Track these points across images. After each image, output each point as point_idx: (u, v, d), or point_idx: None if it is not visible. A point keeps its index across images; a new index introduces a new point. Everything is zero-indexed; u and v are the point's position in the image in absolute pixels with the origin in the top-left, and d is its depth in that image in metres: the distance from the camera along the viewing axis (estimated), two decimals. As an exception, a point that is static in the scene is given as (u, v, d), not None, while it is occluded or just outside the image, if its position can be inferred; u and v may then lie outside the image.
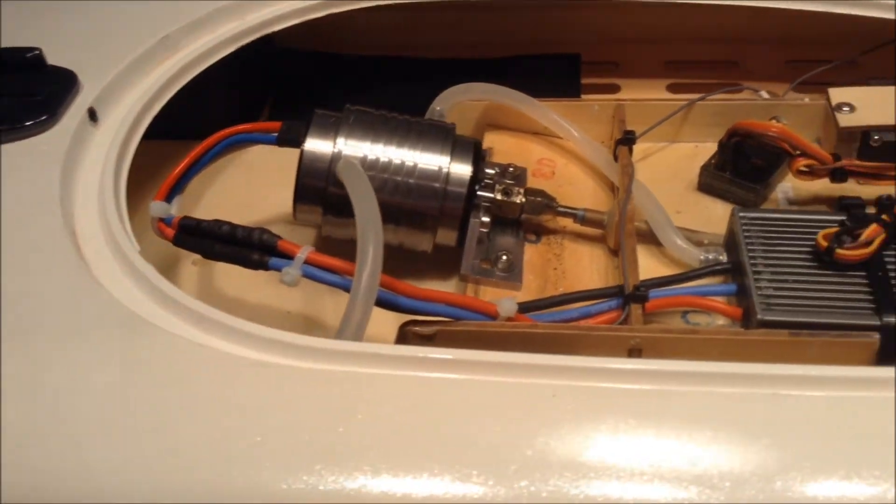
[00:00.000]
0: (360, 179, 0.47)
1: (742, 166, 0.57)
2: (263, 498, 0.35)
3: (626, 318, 0.48)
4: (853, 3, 0.62)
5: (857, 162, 0.55)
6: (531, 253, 0.56)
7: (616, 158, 0.59)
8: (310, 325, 0.54)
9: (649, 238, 0.56)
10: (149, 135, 0.56)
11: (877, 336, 0.44)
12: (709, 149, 0.60)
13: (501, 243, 0.55)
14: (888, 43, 0.65)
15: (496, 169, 0.58)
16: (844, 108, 0.58)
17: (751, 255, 0.49)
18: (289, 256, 0.46)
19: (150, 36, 0.60)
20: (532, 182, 0.60)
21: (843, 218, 0.49)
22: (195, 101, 0.59)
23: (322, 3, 0.64)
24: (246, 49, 0.62)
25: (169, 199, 0.51)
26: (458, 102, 0.62)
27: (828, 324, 0.45)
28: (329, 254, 0.47)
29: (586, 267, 0.55)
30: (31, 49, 0.57)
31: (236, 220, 0.51)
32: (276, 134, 0.52)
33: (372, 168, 0.50)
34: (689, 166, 0.60)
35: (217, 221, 0.47)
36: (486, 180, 0.55)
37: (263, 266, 0.46)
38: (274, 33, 0.65)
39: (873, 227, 0.47)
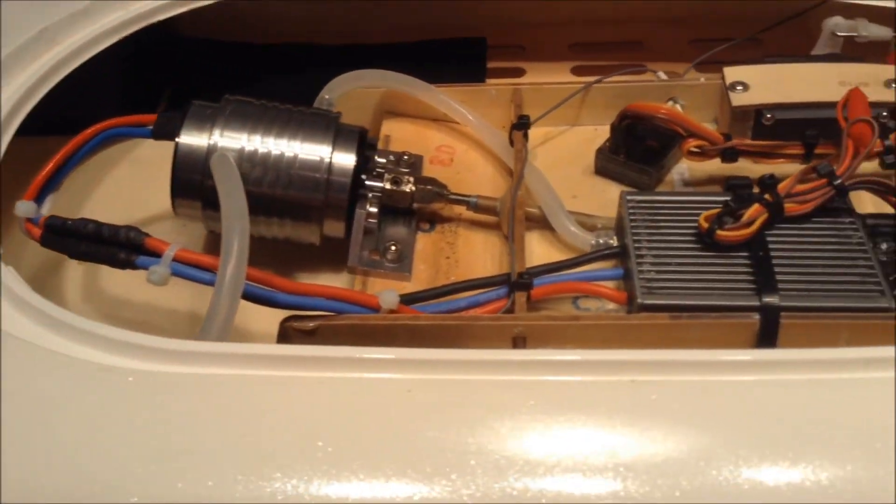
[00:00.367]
0: (228, 173, 0.46)
1: (636, 149, 0.57)
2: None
3: (510, 307, 0.47)
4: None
5: (748, 141, 0.54)
6: (424, 242, 0.55)
7: (512, 143, 0.58)
8: (196, 324, 0.53)
9: (544, 224, 0.55)
10: (33, 131, 0.53)
11: (756, 317, 0.44)
12: (608, 132, 0.59)
13: (392, 233, 0.54)
14: (788, 19, 0.66)
15: (390, 157, 0.57)
16: (738, 88, 0.57)
17: (635, 238, 0.48)
18: (158, 254, 0.44)
19: (28, 29, 0.57)
20: (430, 169, 0.60)
21: (728, 199, 0.49)
22: (84, 94, 0.57)
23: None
24: (140, 39, 0.60)
25: (41, 197, 0.49)
26: (353, 90, 0.60)
27: (708, 306, 0.45)
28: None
29: (480, 255, 0.54)
30: None
31: (127, 218, 0.50)
32: (151, 127, 0.51)
33: (250, 160, 0.49)
34: (587, 150, 0.60)
35: (83, 220, 0.46)
36: (379, 169, 0.54)
37: (131, 265, 0.44)
38: (177, 22, 0.63)
39: (755, 207, 0.47)
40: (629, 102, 0.58)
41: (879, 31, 0.61)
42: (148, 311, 0.54)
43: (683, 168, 0.59)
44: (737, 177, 0.51)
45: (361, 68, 0.61)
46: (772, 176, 0.48)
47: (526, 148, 0.56)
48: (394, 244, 0.52)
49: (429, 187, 0.54)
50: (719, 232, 0.46)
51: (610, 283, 0.50)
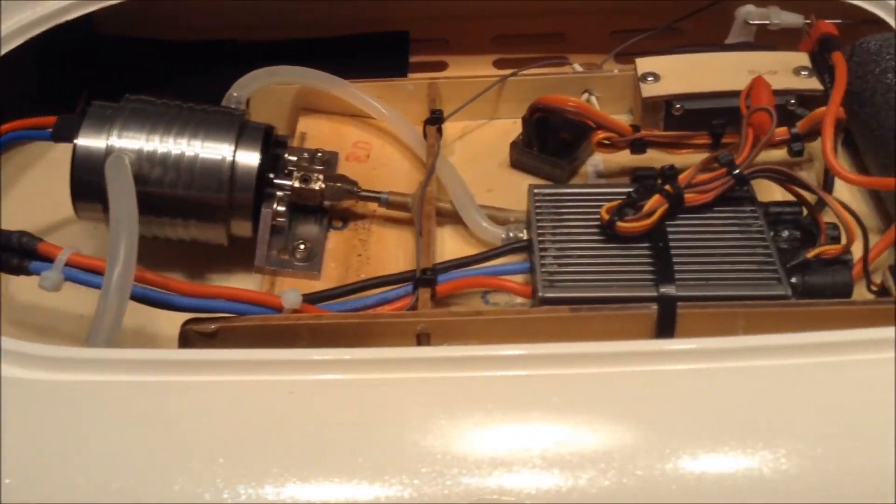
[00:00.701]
0: (118, 175, 0.45)
1: (549, 141, 0.57)
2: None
3: (414, 303, 0.47)
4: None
5: (656, 132, 0.55)
6: (336, 240, 0.54)
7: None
8: None
9: (457, 219, 0.55)
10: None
11: (654, 307, 0.45)
12: (523, 125, 0.60)
13: (303, 232, 0.53)
14: (704, 9, 0.66)
15: (304, 155, 0.57)
16: (649, 78, 0.57)
17: (539, 231, 0.48)
18: (51, 259, 0.44)
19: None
20: (346, 166, 0.59)
21: (631, 190, 0.49)
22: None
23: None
24: (58, 39, 0.59)
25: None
26: (268, 87, 0.60)
27: (608, 297, 0.45)
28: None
29: (392, 252, 0.54)
30: None
31: (41, 221, 0.49)
32: (51, 130, 0.50)
33: (150, 160, 0.48)
34: (504, 143, 0.60)
35: (-26, 226, 0.45)
36: (291, 167, 0.54)
37: (24, 271, 0.44)
38: (96, 21, 0.62)
39: (655, 198, 0.47)
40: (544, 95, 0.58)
41: (791, 19, 0.62)
42: (57, 317, 0.53)
43: (598, 160, 0.59)
44: (643, 168, 0.52)
45: (280, 64, 0.61)
46: (672, 167, 0.48)
47: (439, 143, 0.56)
48: (303, 243, 0.52)
49: (339, 185, 0.53)
50: (619, 223, 0.47)
51: (520, 277, 0.50)
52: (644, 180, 0.50)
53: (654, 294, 0.45)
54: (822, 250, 0.46)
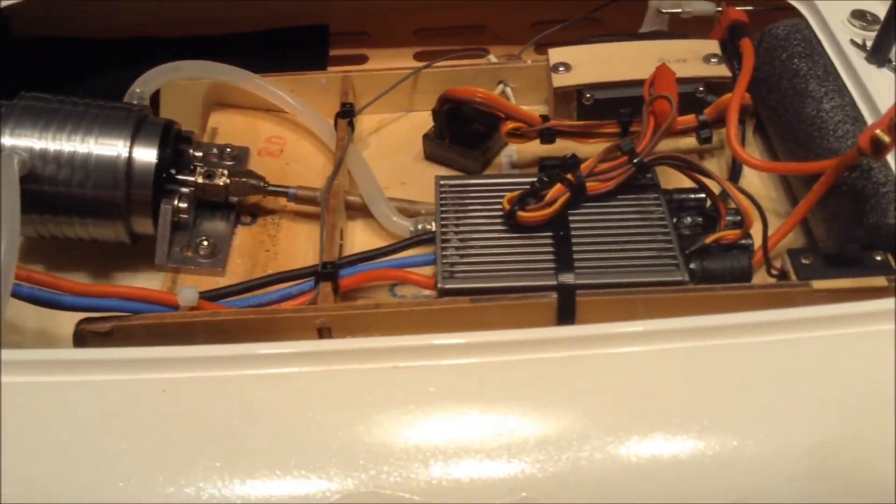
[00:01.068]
0: (3, 174, 0.44)
1: (461, 133, 0.57)
2: None
3: (315, 298, 0.46)
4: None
5: (565, 122, 0.55)
6: (244, 236, 0.54)
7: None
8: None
9: (368, 212, 0.54)
10: None
11: (554, 296, 0.44)
12: (438, 117, 0.59)
13: (209, 228, 0.52)
14: (619, -1, 0.66)
15: (213, 150, 0.56)
16: (560, 69, 0.57)
17: (443, 222, 0.48)
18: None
19: None
20: (259, 161, 0.58)
21: (535, 180, 0.49)
22: None
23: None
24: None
25: None
26: (176, 83, 0.59)
27: (509, 287, 0.45)
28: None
29: (302, 247, 0.53)
30: None
31: None
32: (-57, 130, 0.48)
33: (42, 158, 0.47)
34: (420, 136, 0.59)
35: None
36: (197, 163, 0.53)
37: None
38: (9, 20, 0.60)
39: (557, 187, 0.47)
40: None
41: (703, 7, 0.62)
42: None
43: (512, 151, 0.59)
44: (550, 158, 0.51)
45: (199, 60, 0.60)
46: (573, 155, 0.48)
47: (349, 136, 0.56)
48: (206, 239, 0.51)
49: (244, 180, 0.52)
50: (520, 213, 0.46)
51: (427, 270, 0.50)
52: (550, 170, 0.50)
53: (554, 283, 0.44)
54: (720, 235, 0.46)
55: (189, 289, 0.45)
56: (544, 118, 0.54)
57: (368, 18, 0.71)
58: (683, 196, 0.50)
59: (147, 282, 0.52)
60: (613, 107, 0.55)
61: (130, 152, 0.48)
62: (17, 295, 0.43)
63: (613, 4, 0.66)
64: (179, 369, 0.35)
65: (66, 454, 0.33)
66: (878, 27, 0.54)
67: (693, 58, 0.57)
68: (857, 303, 0.39)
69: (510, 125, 0.54)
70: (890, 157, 0.46)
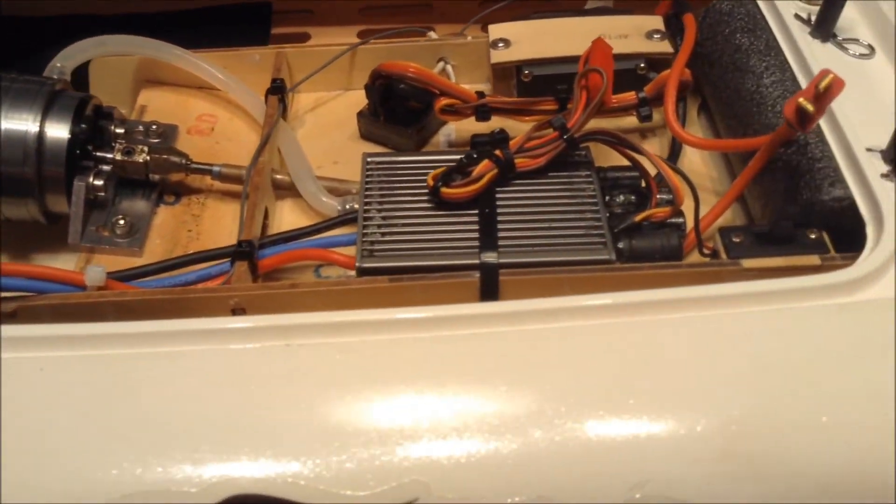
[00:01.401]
0: None
1: (396, 110, 0.55)
2: None
3: (230, 278, 0.44)
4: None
5: (501, 98, 0.53)
6: (165, 215, 0.52)
7: (271, 109, 0.55)
8: None
9: (297, 191, 0.52)
10: None
11: (477, 275, 0.43)
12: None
13: (128, 207, 0.51)
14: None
15: (139, 127, 0.54)
16: (500, 45, 0.55)
17: (367, 200, 0.46)
18: None
19: None
20: (188, 139, 0.56)
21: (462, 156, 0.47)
22: None
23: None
24: None
25: None
26: (105, 59, 0.57)
27: (430, 266, 0.43)
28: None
29: (227, 227, 0.51)
30: None
31: None
32: None
33: (-52, 134, 0.45)
34: (355, 114, 0.58)
35: None
36: (119, 140, 0.51)
37: None
38: None
39: (484, 163, 0.46)
40: (398, 64, 0.56)
41: (649, -17, 0.60)
42: None
43: (451, 129, 0.57)
44: (480, 134, 0.50)
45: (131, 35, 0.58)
46: (502, 130, 0.47)
47: (279, 113, 0.54)
48: (123, 218, 0.49)
49: (165, 156, 0.50)
50: (444, 189, 0.45)
51: (351, 249, 0.48)
52: (479, 147, 0.48)
53: (476, 262, 0.43)
54: (649, 213, 0.44)
55: (96, 268, 0.43)
56: (480, 95, 0.53)
57: (312, -4, 0.69)
58: (618, 174, 0.48)
59: (66, 263, 0.50)
60: (553, 83, 0.54)
61: (42, 127, 0.46)
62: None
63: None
64: (58, 347, 0.33)
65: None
66: (822, 1, 0.52)
67: (635, 33, 0.56)
68: (784, 279, 0.38)
69: (444, 101, 0.52)
70: (827, 132, 0.45)
